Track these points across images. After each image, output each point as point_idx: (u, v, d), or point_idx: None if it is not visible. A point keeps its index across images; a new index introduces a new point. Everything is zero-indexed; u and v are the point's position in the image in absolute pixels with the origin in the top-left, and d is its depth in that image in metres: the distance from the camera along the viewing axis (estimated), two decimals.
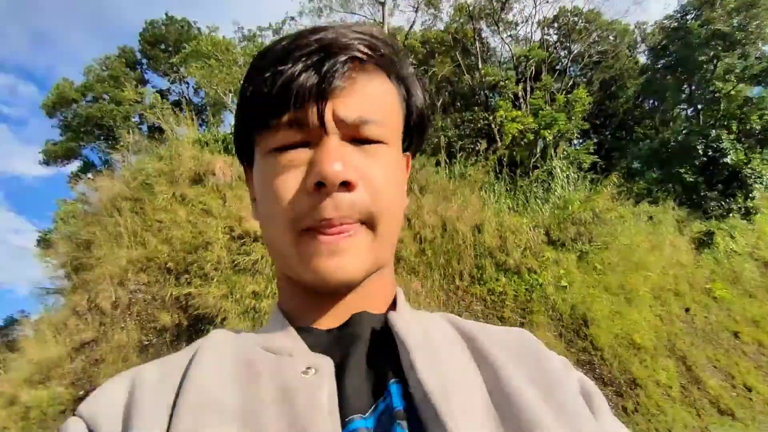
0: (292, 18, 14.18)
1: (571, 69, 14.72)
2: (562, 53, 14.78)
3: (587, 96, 8.16)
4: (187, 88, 16.41)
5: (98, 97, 15.18)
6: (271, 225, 0.41)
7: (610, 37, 14.84)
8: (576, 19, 14.09)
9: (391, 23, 13.39)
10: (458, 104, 12.78)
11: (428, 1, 13.67)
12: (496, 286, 4.87)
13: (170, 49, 16.20)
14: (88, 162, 16.15)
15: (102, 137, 15.01)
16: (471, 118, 9.31)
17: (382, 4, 10.94)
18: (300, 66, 0.38)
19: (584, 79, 14.19)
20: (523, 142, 7.19)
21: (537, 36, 14.47)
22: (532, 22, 13.72)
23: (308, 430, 0.31)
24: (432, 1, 13.72)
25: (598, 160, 8.40)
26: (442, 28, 14.22)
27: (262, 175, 0.42)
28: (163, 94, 15.16)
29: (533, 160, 7.01)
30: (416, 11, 12.85)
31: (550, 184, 6.38)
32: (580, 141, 10.84)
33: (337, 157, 0.37)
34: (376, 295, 0.45)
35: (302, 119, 0.38)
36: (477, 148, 7.56)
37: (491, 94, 10.99)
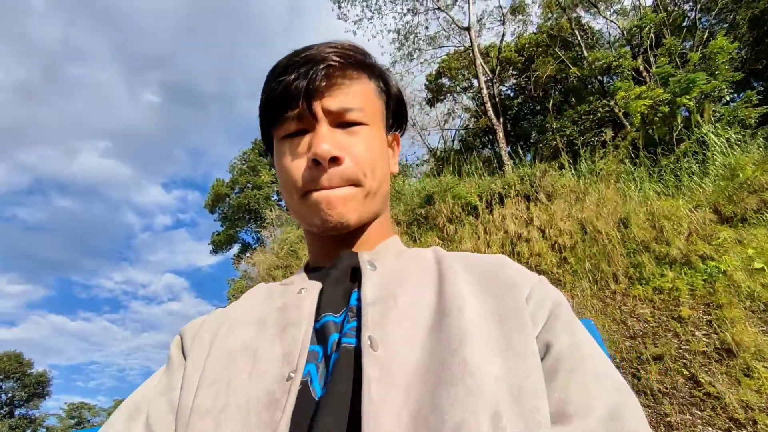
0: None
1: (703, 20, 12.62)
2: (686, 6, 12.82)
3: (730, 43, 6.83)
4: None
5: (243, 187, 17.89)
6: (286, 192, 0.56)
7: None
8: None
9: (482, 44, 13.28)
10: (571, 100, 11.86)
11: (513, 10, 13.31)
12: (662, 283, 4.14)
13: None
14: (245, 243, 18.84)
15: (251, 220, 17.48)
16: (588, 109, 8.49)
17: (468, 29, 10.94)
18: (293, 76, 0.51)
19: (724, 25, 12.01)
20: (657, 118, 6.25)
21: (648, 0, 12.88)
22: None
23: (293, 322, 0.47)
24: (517, 7, 13.32)
25: None
26: (535, 31, 13.60)
27: (277, 157, 0.57)
28: None
29: (675, 133, 6.00)
30: (503, 23, 12.57)
31: (705, 155, 5.36)
32: (738, 96, 9.07)
33: (326, 140, 0.50)
34: (371, 241, 0.57)
35: (299, 113, 0.52)
36: (603, 139, 6.84)
37: (606, 79, 9.95)
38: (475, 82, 13.45)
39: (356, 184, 0.52)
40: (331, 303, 0.48)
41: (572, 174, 5.91)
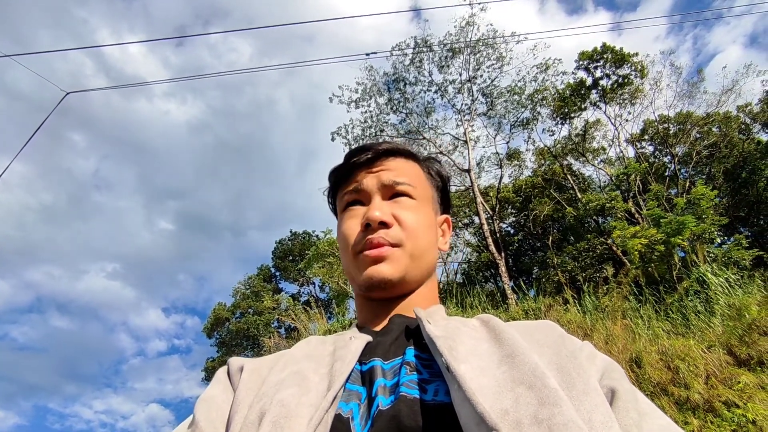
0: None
1: (683, 171, 13.79)
2: (666, 159, 14.11)
3: (710, 191, 7.39)
4: (314, 287, 18.31)
5: (244, 312, 17.58)
6: (343, 253, 0.64)
7: (714, 129, 14.02)
8: (666, 125, 13.80)
9: (481, 184, 14.32)
10: (570, 238, 12.31)
11: (509, 156, 14.60)
12: None
13: (297, 258, 18.82)
14: None
15: (249, 346, 16.75)
16: (587, 246, 8.79)
17: (468, 171, 11.96)
18: (352, 160, 0.66)
19: (702, 176, 13.06)
20: (654, 256, 6.45)
21: (631, 152, 14.23)
22: (618, 143, 13.69)
23: (341, 359, 0.49)
24: (513, 154, 14.65)
25: (762, 252, 7.07)
26: (530, 174, 14.75)
27: (339, 225, 0.67)
28: (295, 297, 17.08)
29: (675, 272, 6.14)
30: (501, 167, 13.72)
31: (708, 294, 5.39)
32: (728, 239, 9.44)
33: (378, 208, 0.60)
34: (419, 306, 0.61)
35: (356, 188, 0.65)
36: (604, 275, 6.95)
37: (601, 219, 10.51)
38: (476, 218, 14.14)
39: (399, 245, 0.59)
40: (381, 350, 0.51)
41: (577, 309, 5.87)
